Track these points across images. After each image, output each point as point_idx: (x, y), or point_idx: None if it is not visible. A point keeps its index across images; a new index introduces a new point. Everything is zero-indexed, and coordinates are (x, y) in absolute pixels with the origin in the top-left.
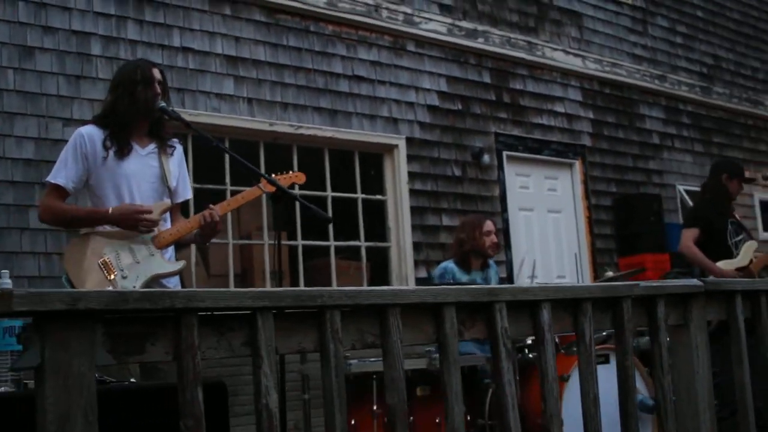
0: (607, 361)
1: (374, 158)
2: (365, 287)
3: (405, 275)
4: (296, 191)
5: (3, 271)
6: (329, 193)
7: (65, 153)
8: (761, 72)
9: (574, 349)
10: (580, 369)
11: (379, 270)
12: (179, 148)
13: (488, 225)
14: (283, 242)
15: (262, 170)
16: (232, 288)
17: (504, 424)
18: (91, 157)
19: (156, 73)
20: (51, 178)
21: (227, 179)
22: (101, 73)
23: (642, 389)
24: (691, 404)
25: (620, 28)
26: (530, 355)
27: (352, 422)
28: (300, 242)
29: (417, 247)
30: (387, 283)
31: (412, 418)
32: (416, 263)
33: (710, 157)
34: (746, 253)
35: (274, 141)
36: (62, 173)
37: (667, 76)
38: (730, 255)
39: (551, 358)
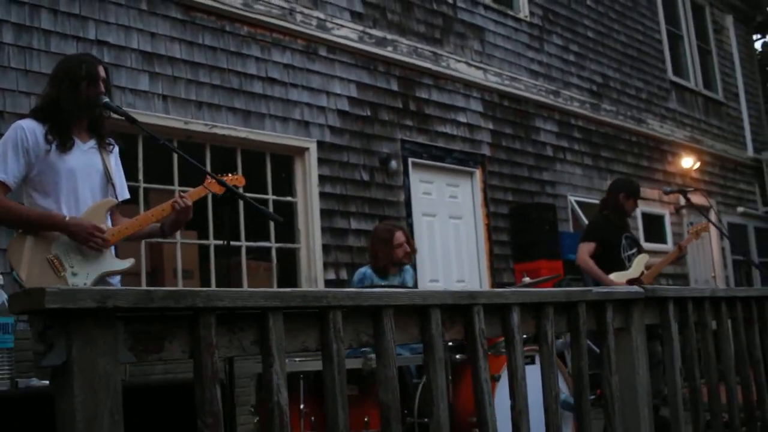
0: (533, 362)
1: (285, 160)
2: (364, 289)
3: (314, 277)
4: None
5: None
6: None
7: (3, 146)
8: (644, 92)
9: (502, 350)
10: (542, 368)
11: (288, 271)
12: (116, 147)
13: (398, 237)
14: (194, 241)
15: (175, 169)
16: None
17: (481, 419)
18: (33, 151)
19: (101, 70)
20: None
21: (175, 179)
22: (13, 62)
23: (563, 388)
24: (632, 402)
25: (519, 44)
26: (458, 357)
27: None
28: (212, 242)
29: (326, 249)
30: (296, 284)
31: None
32: (325, 265)
33: (597, 170)
34: (638, 266)
35: (188, 139)
36: (2, 167)
37: (561, 92)
38: (623, 267)
39: (520, 357)
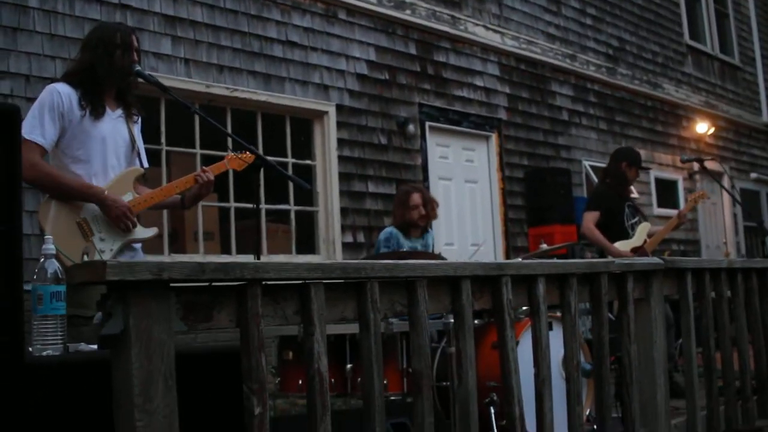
0: (550, 328)
1: (304, 123)
2: (399, 261)
3: (332, 239)
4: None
5: (47, 236)
6: None
7: (40, 109)
8: (660, 56)
9: (521, 315)
10: (565, 337)
11: (307, 234)
12: (140, 117)
13: (414, 199)
14: (215, 204)
15: (197, 133)
16: (165, 248)
17: (507, 386)
18: (67, 116)
19: (134, 39)
20: (27, 135)
21: (197, 142)
22: (38, 26)
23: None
24: (649, 371)
25: (536, 6)
26: (475, 322)
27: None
28: (232, 204)
29: (344, 212)
30: (314, 247)
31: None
32: (343, 228)
33: (612, 135)
34: (641, 234)
35: (209, 103)
36: (38, 130)
37: (577, 56)
38: (626, 236)
39: (545, 326)
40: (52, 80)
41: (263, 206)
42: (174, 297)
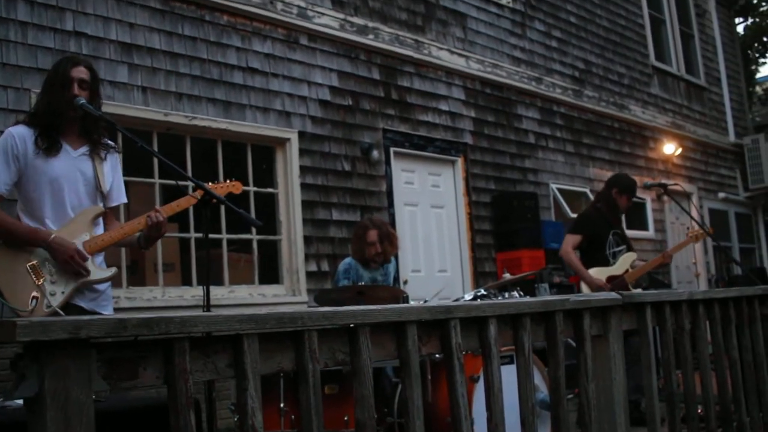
0: (511, 361)
1: (266, 151)
2: (339, 308)
3: (296, 269)
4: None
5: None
6: None
7: None
8: (626, 78)
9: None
10: (519, 379)
11: (270, 263)
12: (115, 152)
13: (370, 236)
14: (175, 234)
15: (155, 162)
16: (124, 281)
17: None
18: (22, 158)
19: (77, 72)
20: None
21: (155, 172)
22: None
23: (541, 387)
24: (609, 408)
25: (501, 30)
26: (437, 356)
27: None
28: (192, 234)
29: (308, 240)
30: (277, 276)
31: None
32: (307, 257)
33: (579, 157)
34: (623, 263)
35: (168, 131)
36: None
37: (543, 79)
38: (605, 263)
39: (497, 370)
40: (4, 110)
41: (225, 236)
42: (95, 354)
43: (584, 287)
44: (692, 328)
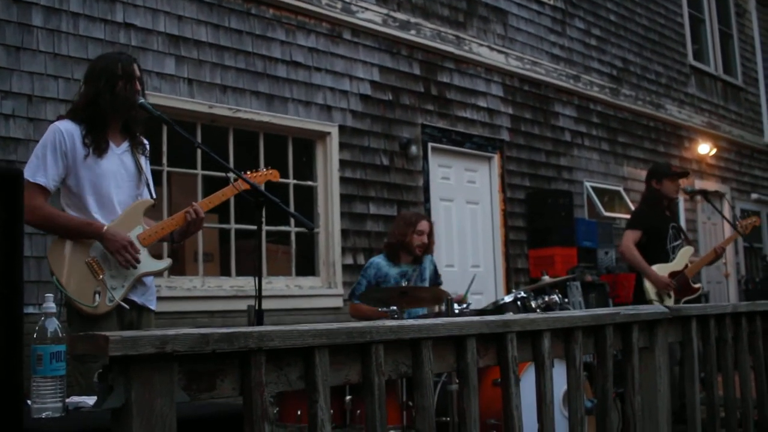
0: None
1: (307, 144)
2: (405, 322)
3: (332, 261)
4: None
5: (47, 294)
6: None
7: (43, 149)
8: (664, 77)
9: None
10: (569, 391)
11: (307, 256)
12: (147, 148)
13: (422, 225)
14: (215, 225)
15: (198, 153)
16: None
17: None
18: (71, 155)
19: (136, 69)
20: (30, 177)
21: (198, 164)
22: (42, 45)
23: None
24: (653, 420)
25: (541, 27)
26: None
27: None
28: (233, 225)
29: (345, 234)
30: (314, 269)
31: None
32: (343, 250)
33: (614, 156)
34: (682, 258)
35: (212, 123)
36: (41, 171)
37: (581, 77)
38: (667, 258)
39: (549, 381)
40: (54, 100)
41: (264, 227)
42: (176, 366)
43: (647, 284)
44: (734, 340)
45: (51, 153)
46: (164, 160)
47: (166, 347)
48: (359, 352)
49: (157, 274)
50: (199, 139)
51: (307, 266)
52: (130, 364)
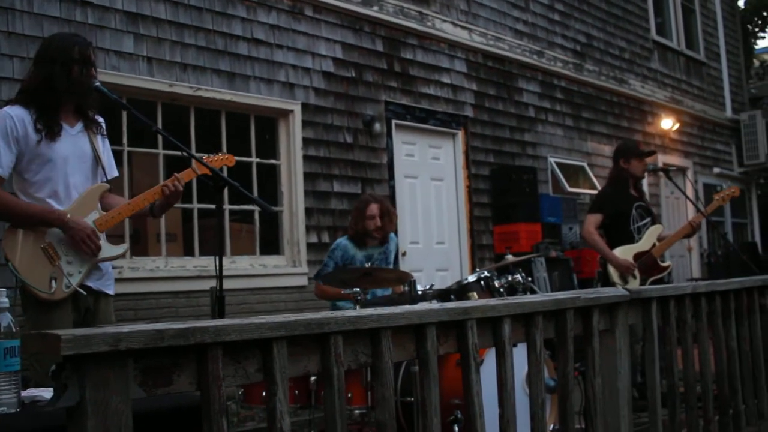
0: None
1: (269, 122)
2: (363, 312)
3: (296, 240)
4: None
5: (0, 289)
6: None
7: None
8: (627, 52)
9: None
10: (530, 375)
11: (271, 234)
12: (103, 125)
13: (371, 209)
14: (178, 205)
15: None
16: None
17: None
18: (23, 141)
19: (92, 53)
20: None
21: (159, 142)
22: None
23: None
24: (613, 401)
25: (504, 2)
26: None
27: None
28: (195, 205)
29: (309, 212)
30: (278, 247)
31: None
32: (308, 228)
33: (578, 131)
34: (649, 237)
35: (173, 102)
36: None
37: (545, 52)
38: (631, 239)
39: (510, 368)
40: (9, 80)
41: (227, 206)
42: (131, 363)
43: (610, 268)
44: (694, 319)
45: (3, 140)
46: (124, 140)
47: (120, 345)
48: (318, 343)
49: (114, 259)
50: (159, 119)
51: (271, 245)
52: (84, 362)
